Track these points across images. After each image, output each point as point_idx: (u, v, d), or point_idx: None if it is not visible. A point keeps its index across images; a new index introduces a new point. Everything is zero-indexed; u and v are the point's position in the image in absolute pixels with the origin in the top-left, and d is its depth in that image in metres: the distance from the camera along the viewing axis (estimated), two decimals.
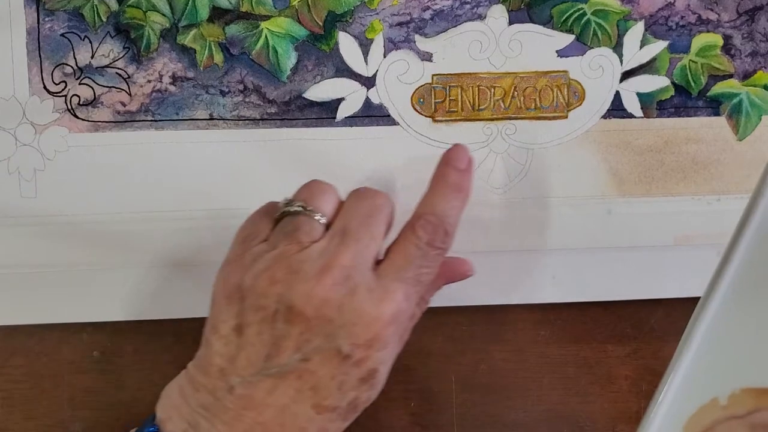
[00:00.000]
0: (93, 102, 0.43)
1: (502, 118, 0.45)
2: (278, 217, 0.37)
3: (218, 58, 0.43)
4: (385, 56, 0.44)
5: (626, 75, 0.45)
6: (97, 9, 0.42)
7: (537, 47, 0.44)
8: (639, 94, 0.45)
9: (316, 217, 0.36)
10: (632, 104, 0.45)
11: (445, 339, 0.46)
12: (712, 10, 0.45)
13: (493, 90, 0.44)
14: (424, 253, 0.36)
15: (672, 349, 0.47)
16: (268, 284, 0.34)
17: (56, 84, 0.42)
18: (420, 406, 0.47)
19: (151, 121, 0.43)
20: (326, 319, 0.34)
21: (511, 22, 0.44)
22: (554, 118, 0.45)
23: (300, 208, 0.36)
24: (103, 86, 0.43)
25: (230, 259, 0.37)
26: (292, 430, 0.35)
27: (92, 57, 0.42)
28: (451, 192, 0.37)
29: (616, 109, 0.45)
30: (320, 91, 0.44)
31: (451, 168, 0.38)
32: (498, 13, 0.44)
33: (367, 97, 0.44)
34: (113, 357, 0.45)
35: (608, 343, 0.48)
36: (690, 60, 0.45)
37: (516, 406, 0.47)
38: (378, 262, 0.36)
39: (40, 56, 0.42)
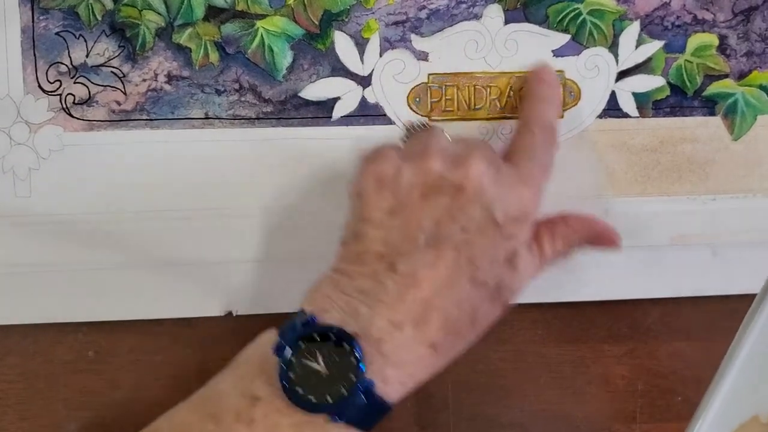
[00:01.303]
0: (88, 101, 0.43)
1: (497, 118, 0.45)
2: (405, 136, 0.43)
3: (214, 57, 0.43)
4: (381, 55, 0.44)
5: (622, 75, 0.45)
6: (92, 7, 0.42)
7: (533, 47, 0.44)
8: (635, 94, 0.45)
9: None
10: (628, 104, 0.45)
11: None
12: (707, 10, 0.45)
13: (489, 89, 0.44)
14: (543, 143, 0.41)
15: (668, 349, 0.47)
16: (425, 162, 0.38)
17: (51, 83, 0.42)
18: (417, 406, 0.47)
19: (147, 120, 0.43)
20: (483, 191, 0.37)
21: (507, 22, 0.44)
22: None
23: (426, 125, 0.42)
24: (98, 85, 0.42)
25: (370, 157, 0.39)
26: (450, 303, 0.36)
27: (87, 56, 0.42)
28: (548, 105, 0.42)
29: (612, 109, 0.45)
30: (316, 90, 0.43)
31: (544, 84, 0.43)
32: (494, 13, 0.44)
33: (363, 97, 0.44)
34: (108, 357, 0.45)
35: (605, 343, 0.48)
36: (686, 60, 0.45)
37: (513, 406, 0.48)
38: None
39: (34, 55, 0.42)
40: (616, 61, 0.45)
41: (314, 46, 0.43)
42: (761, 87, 0.46)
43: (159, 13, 0.42)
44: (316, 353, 0.35)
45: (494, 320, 0.38)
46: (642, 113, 0.45)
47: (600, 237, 0.42)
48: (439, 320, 0.36)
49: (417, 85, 0.44)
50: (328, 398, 0.35)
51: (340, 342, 0.35)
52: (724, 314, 0.45)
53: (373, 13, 0.43)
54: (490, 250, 0.37)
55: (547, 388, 0.48)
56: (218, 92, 0.43)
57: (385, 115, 0.44)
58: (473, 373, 0.47)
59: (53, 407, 0.45)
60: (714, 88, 0.45)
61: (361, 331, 0.35)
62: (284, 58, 0.43)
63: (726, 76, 0.45)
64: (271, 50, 0.43)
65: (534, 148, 0.41)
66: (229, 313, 0.44)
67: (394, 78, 0.44)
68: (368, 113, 0.44)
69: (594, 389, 0.48)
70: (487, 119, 0.44)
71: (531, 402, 0.48)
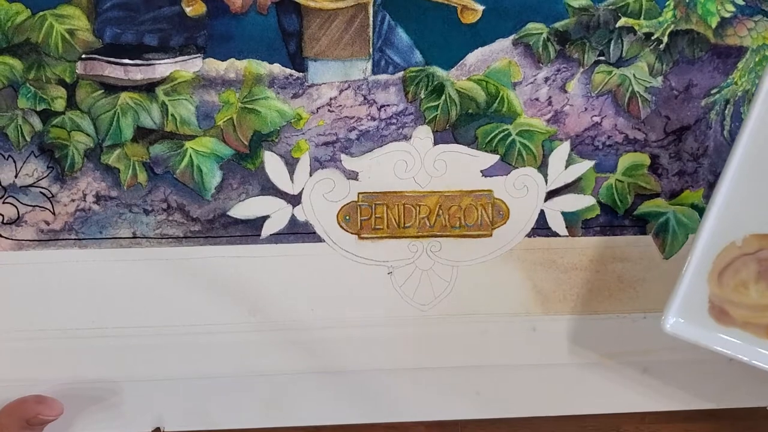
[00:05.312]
0: (17, 221, 0.43)
1: (427, 236, 0.45)
2: None
3: (142, 177, 0.43)
4: (311, 175, 0.44)
5: (551, 194, 0.45)
6: (21, 129, 0.42)
7: (461, 167, 0.44)
8: (564, 213, 0.45)
9: None
10: (557, 223, 0.45)
11: None
12: (639, 129, 0.45)
13: (418, 208, 0.44)
14: None
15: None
16: None
17: None
18: None
19: (75, 239, 0.43)
20: None
21: (436, 143, 0.44)
22: (479, 236, 0.45)
23: None
24: (27, 205, 0.43)
25: None
26: None
27: (16, 176, 0.43)
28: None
29: (541, 228, 0.45)
30: (245, 209, 0.44)
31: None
32: (423, 134, 0.44)
33: (293, 215, 0.44)
34: None
35: None
36: (616, 179, 0.45)
37: None
38: None
39: None
40: (546, 180, 0.45)
41: (244, 166, 0.44)
42: (693, 206, 0.46)
43: (88, 134, 0.43)
44: None
45: None
46: (571, 232, 0.45)
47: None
48: None
49: (347, 204, 0.44)
50: None
51: None
52: None
53: (303, 133, 0.44)
54: None
55: None
56: (146, 212, 0.43)
57: (314, 232, 0.44)
58: None
59: None
60: (645, 207, 0.45)
61: None
62: (213, 177, 0.43)
63: (657, 195, 0.46)
64: (200, 170, 0.43)
65: None
66: (157, 429, 0.44)
67: (324, 196, 0.44)
68: (298, 231, 0.44)
69: None
70: (417, 237, 0.45)
71: None
